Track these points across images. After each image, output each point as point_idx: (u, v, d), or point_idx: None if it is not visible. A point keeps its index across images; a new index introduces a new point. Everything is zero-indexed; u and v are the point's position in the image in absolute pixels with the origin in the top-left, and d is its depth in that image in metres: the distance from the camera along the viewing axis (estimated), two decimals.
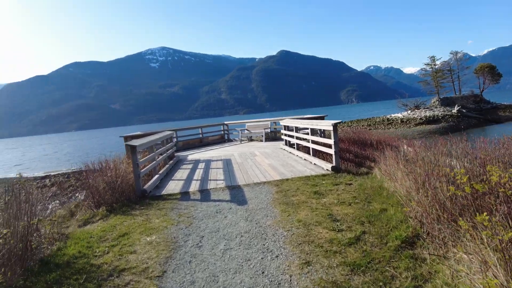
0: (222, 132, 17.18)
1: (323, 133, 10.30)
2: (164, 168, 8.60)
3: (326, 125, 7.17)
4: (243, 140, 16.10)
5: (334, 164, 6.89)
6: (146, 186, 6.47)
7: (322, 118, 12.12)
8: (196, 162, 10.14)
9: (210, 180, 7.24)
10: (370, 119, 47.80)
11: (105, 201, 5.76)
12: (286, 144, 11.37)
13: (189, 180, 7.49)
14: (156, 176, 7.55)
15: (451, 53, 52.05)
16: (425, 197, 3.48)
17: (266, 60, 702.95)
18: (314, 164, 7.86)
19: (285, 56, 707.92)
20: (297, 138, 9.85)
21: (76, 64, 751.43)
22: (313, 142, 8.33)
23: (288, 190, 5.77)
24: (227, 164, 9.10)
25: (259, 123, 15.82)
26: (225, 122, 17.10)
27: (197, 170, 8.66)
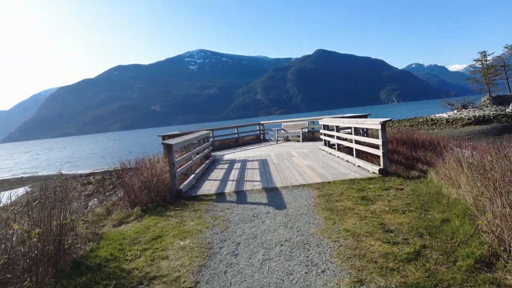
0: (258, 132, 16.91)
1: (365, 133, 9.63)
2: (200, 168, 8.44)
3: (373, 123, 6.58)
4: (279, 140, 15.72)
5: (382, 167, 6.29)
6: (181, 186, 6.30)
7: (365, 116, 11.35)
8: (232, 162, 9.91)
9: (246, 181, 6.94)
10: (412, 119, 45.26)
11: (140, 200, 5.64)
12: (325, 145, 10.82)
13: (224, 180, 7.24)
14: (192, 175, 7.39)
15: (505, 47, 47.91)
16: (505, 208, 2.88)
17: (302, 59, 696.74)
18: (358, 166, 7.28)
19: (322, 55, 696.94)
20: (338, 138, 9.29)
21: (119, 68, 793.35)
22: (357, 142, 7.75)
23: (331, 194, 5.30)
24: (263, 165, 8.76)
25: (296, 123, 15.35)
26: (261, 122, 16.81)
27: (233, 171, 8.41)
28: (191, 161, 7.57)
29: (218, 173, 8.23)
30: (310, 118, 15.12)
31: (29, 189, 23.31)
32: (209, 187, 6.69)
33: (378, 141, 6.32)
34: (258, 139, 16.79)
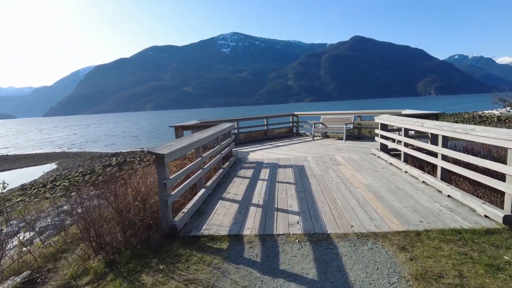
0: (291, 124, 14.45)
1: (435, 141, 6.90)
2: (215, 177, 6.22)
3: (493, 136, 3.94)
4: (316, 136, 13.21)
5: (510, 213, 3.74)
6: (178, 217, 4.11)
7: (433, 116, 8.47)
8: (258, 167, 7.62)
9: (277, 209, 4.62)
10: (456, 114, 40.68)
11: (109, 242, 3.52)
12: (381, 150, 8.25)
13: (245, 203, 4.96)
14: (201, 192, 5.19)
15: None
16: None
17: (337, 46, 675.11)
18: (449, 197, 4.75)
19: (359, 42, 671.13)
20: (407, 144, 6.71)
21: (154, 48, 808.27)
22: (445, 158, 5.17)
23: (435, 266, 2.89)
24: (301, 177, 6.40)
25: (338, 116, 12.72)
26: (295, 113, 14.31)
27: (259, 183, 6.12)
28: (201, 170, 5.35)
29: (238, 186, 5.97)
30: (356, 111, 12.43)
31: (55, 166, 22.91)
32: (221, 217, 4.45)
33: (504, 168, 3.75)
34: (291, 133, 14.35)
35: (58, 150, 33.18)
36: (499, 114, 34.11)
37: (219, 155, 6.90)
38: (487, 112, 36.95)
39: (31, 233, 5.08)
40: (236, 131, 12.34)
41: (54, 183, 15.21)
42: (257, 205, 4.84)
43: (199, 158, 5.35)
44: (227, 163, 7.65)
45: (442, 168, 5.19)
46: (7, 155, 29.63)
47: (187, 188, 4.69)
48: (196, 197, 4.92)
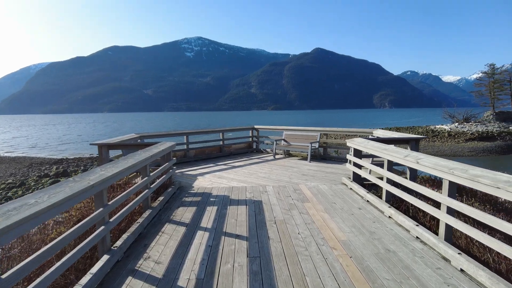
0: (251, 139, 12.84)
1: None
2: (135, 227, 4.35)
3: None
4: (278, 154, 11.71)
5: None
6: None
7: (406, 141, 7.17)
8: (203, 203, 5.84)
9: None
10: (411, 128, 41.83)
11: None
12: (354, 180, 6.85)
13: (170, 283, 3.18)
14: (100, 263, 3.31)
15: None
16: None
17: (300, 56, 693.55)
18: (462, 271, 3.32)
19: (320, 54, 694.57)
20: (395, 184, 5.28)
21: (115, 48, 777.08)
22: (452, 212, 3.77)
23: None
24: (257, 224, 4.72)
25: (302, 133, 11.33)
26: (256, 126, 12.72)
27: (197, 237, 4.31)
28: (102, 228, 3.46)
29: (166, 244, 4.11)
30: (322, 128, 11.09)
31: None
32: None
33: None
34: (250, 149, 12.72)
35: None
36: (449, 130, 35.39)
37: (147, 190, 5.03)
38: (438, 127, 38.27)
39: None
40: (185, 147, 10.47)
41: None
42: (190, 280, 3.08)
43: (100, 210, 3.45)
44: (161, 198, 5.77)
45: (447, 226, 3.78)
46: None
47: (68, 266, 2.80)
48: (84, 280, 3.01)
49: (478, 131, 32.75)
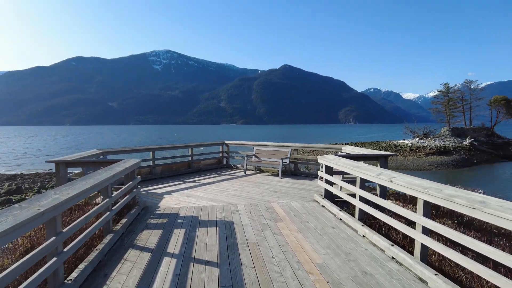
0: (221, 154, 12.55)
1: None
2: (94, 255, 3.92)
3: None
4: (248, 170, 11.52)
5: None
6: None
7: (376, 158, 7.16)
8: (170, 225, 5.47)
9: None
10: (375, 143, 43.55)
11: None
12: (326, 197, 6.79)
13: None
14: None
15: (465, 82, 48.70)
16: None
17: (268, 72, 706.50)
18: None
19: (288, 71, 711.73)
20: (367, 201, 5.24)
21: (79, 59, 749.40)
22: (427, 232, 3.72)
23: None
24: (228, 248, 4.45)
25: (273, 149, 11.25)
26: (226, 142, 12.48)
27: (163, 265, 3.94)
28: (54, 259, 3.05)
29: (128, 274, 3.72)
30: (292, 144, 11.08)
31: None
32: None
33: None
34: (220, 164, 12.42)
35: None
36: (411, 144, 37.16)
37: (108, 213, 4.61)
38: (401, 142, 40.08)
39: None
40: (151, 163, 9.98)
41: None
42: None
43: (52, 239, 3.05)
44: (125, 220, 5.33)
45: (423, 246, 3.73)
46: None
47: None
48: None
49: (437, 145, 34.71)
